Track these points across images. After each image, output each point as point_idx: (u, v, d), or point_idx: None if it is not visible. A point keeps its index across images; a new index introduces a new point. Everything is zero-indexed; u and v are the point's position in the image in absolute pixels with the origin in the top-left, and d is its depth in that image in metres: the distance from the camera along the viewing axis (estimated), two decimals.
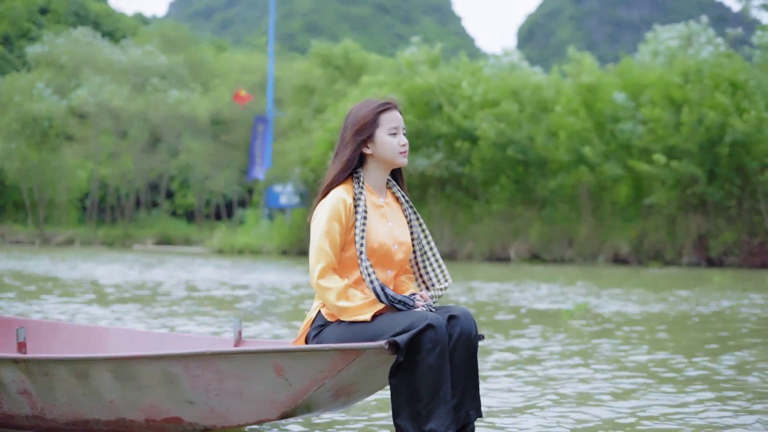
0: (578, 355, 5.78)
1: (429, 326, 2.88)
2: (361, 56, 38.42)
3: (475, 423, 3.19)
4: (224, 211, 42.79)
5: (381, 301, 3.01)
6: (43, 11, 50.93)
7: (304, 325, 3.17)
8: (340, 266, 3.12)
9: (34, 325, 4.27)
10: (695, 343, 6.47)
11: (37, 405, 3.34)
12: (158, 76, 40.10)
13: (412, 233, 3.27)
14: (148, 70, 39.98)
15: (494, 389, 4.45)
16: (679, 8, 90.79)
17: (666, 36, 28.00)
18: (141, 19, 60.19)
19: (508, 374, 4.98)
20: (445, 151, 25.63)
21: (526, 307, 9.42)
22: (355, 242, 3.08)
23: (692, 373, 5.08)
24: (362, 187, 3.16)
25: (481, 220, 25.49)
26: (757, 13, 41.49)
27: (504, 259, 24.49)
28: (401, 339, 2.86)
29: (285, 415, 3.05)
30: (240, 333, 3.83)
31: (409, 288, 3.24)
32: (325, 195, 3.17)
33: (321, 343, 3.04)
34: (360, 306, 3.01)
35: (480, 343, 3.24)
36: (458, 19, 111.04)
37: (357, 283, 3.11)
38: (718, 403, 4.16)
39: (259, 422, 3.09)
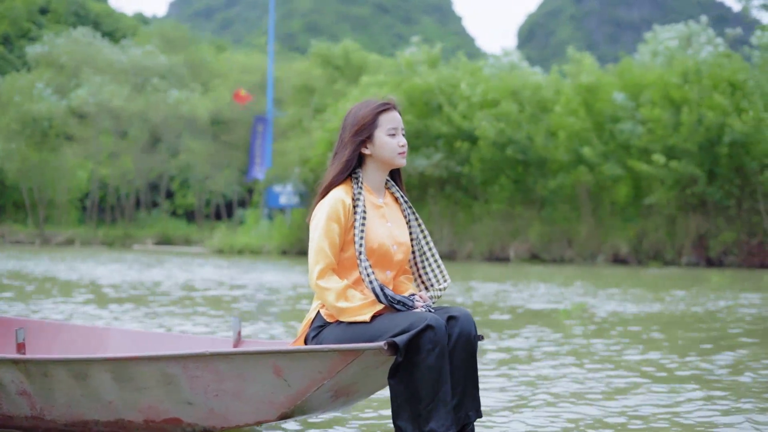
0: (573, 354, 5.80)
1: (428, 327, 2.88)
2: (361, 56, 38.43)
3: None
4: (224, 211, 42.81)
5: (380, 302, 3.01)
6: (43, 11, 50.95)
7: (303, 326, 3.17)
8: (339, 267, 3.12)
9: (33, 325, 4.27)
10: (689, 343, 6.49)
11: (36, 406, 3.34)
12: (158, 76, 40.11)
13: (411, 234, 3.27)
14: (148, 70, 39.99)
15: (487, 388, 4.47)
16: (679, 8, 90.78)
17: (665, 36, 28.00)
18: (141, 19, 60.20)
19: (502, 374, 5.00)
20: (445, 151, 25.64)
21: (523, 307, 9.43)
22: (355, 242, 3.08)
23: (685, 372, 5.10)
24: (361, 188, 3.16)
25: (481, 220, 25.50)
26: (757, 13, 41.44)
27: (503, 259, 24.49)
28: (400, 340, 2.86)
29: (284, 416, 3.05)
30: (239, 333, 3.83)
31: (408, 288, 3.24)
32: (324, 196, 3.17)
33: (320, 343, 3.04)
34: (359, 307, 3.01)
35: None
36: (458, 19, 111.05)
37: (356, 284, 3.11)
38: (709, 403, 4.18)
39: (258, 423, 3.09)
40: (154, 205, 45.13)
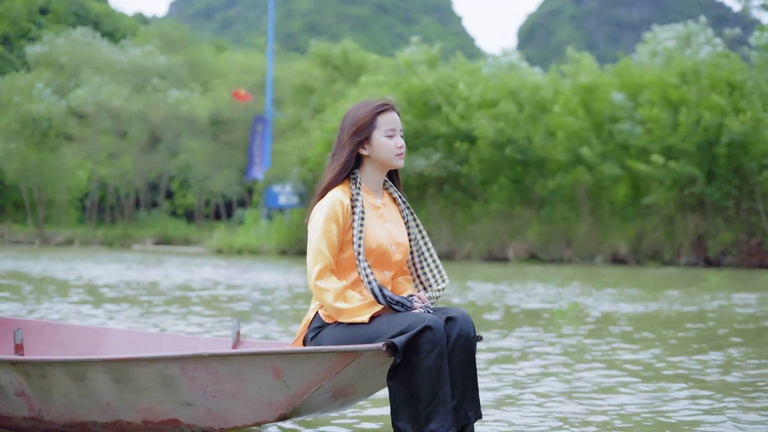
0: (564, 354, 5.82)
1: (427, 328, 2.88)
2: (360, 56, 38.45)
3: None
4: (224, 211, 42.84)
5: (379, 302, 3.00)
6: (43, 11, 50.96)
7: (301, 327, 3.17)
8: (337, 267, 3.11)
9: (31, 325, 4.26)
10: (680, 343, 6.52)
11: (34, 407, 3.34)
12: (158, 76, 40.13)
13: (409, 234, 3.26)
14: (147, 70, 40.01)
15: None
16: (679, 8, 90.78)
17: (664, 36, 28.00)
18: (141, 19, 60.21)
19: (492, 372, 5.02)
20: (444, 151, 25.64)
21: (518, 307, 9.44)
22: (353, 243, 3.07)
23: (673, 372, 5.13)
24: (359, 189, 3.15)
25: (480, 220, 25.51)
26: (757, 13, 41.44)
27: (502, 259, 24.50)
28: (399, 341, 2.85)
29: (283, 417, 3.05)
30: (238, 333, 3.82)
31: (406, 289, 3.24)
32: (322, 196, 3.16)
33: (319, 344, 3.04)
34: (358, 307, 3.00)
35: None
36: (458, 19, 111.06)
37: (355, 284, 3.11)
38: (694, 402, 4.21)
39: (257, 424, 3.09)
40: (154, 205, 45.16)
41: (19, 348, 3.74)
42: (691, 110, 22.35)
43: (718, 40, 26.26)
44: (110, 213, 42.47)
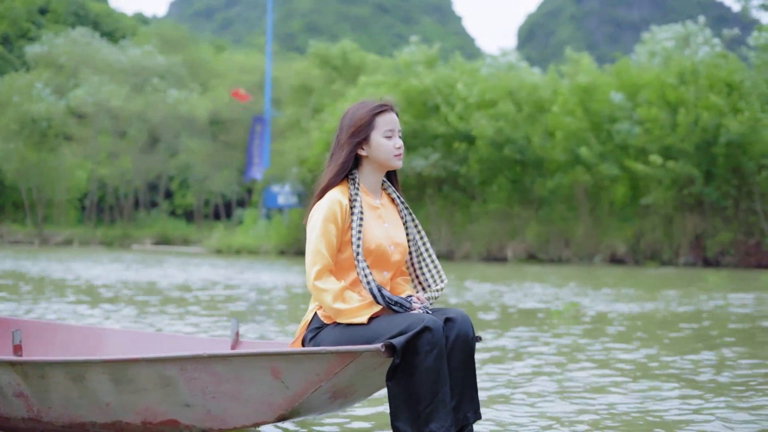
0: (558, 354, 5.84)
1: (426, 328, 2.88)
2: (359, 56, 38.46)
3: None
4: (223, 211, 42.87)
5: (378, 302, 3.00)
6: (43, 11, 50.95)
7: (300, 327, 3.17)
8: (336, 268, 3.11)
9: (30, 326, 4.26)
10: (674, 343, 6.54)
11: (33, 408, 3.34)
12: (157, 76, 40.14)
13: (407, 235, 3.26)
14: (146, 70, 40.02)
15: None
16: (679, 8, 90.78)
17: (663, 36, 28.00)
18: (141, 19, 60.20)
19: (485, 372, 5.03)
20: (442, 151, 25.65)
21: (515, 307, 9.45)
22: (352, 244, 3.07)
23: (665, 371, 5.15)
24: (358, 189, 3.15)
25: (478, 220, 25.52)
26: (756, 13, 41.41)
27: (501, 259, 24.51)
28: (398, 341, 2.86)
29: (282, 418, 3.05)
30: (237, 334, 3.82)
31: (405, 290, 3.24)
32: (320, 197, 3.16)
33: (318, 345, 3.04)
34: (357, 308, 3.00)
35: None
36: (458, 19, 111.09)
37: (353, 285, 3.11)
38: (684, 401, 4.22)
39: (256, 424, 3.09)
40: (153, 205, 45.17)
41: (17, 349, 3.74)
42: (690, 110, 22.35)
43: (716, 41, 26.27)
44: (109, 213, 42.49)
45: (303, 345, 3.12)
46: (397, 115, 3.23)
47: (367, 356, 2.89)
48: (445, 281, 3.29)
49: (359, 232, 3.08)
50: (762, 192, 22.10)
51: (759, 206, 22.11)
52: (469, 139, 25.39)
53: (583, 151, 23.78)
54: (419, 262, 3.28)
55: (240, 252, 28.99)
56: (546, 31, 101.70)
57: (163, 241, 37.25)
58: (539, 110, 25.41)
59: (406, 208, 3.30)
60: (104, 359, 3.16)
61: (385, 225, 3.19)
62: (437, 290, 3.26)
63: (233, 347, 3.80)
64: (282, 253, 27.74)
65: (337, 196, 3.11)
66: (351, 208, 3.11)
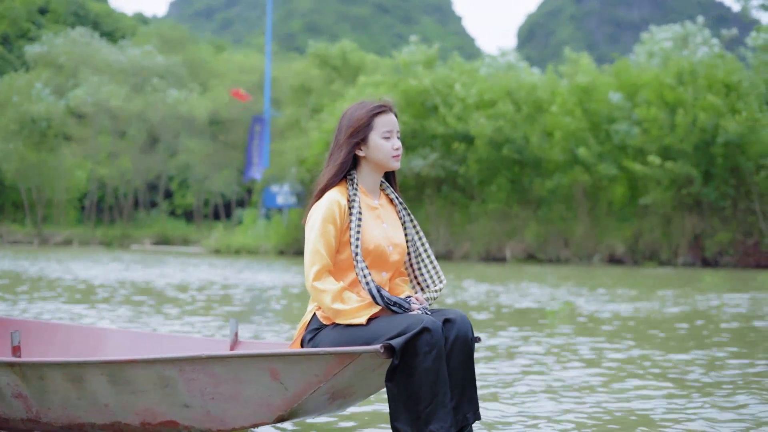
0: (550, 353, 5.86)
1: (425, 329, 2.87)
2: (359, 56, 38.46)
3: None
4: (223, 211, 42.89)
5: (377, 303, 3.00)
6: (43, 11, 50.97)
7: (299, 328, 3.17)
8: (335, 268, 3.11)
9: (29, 326, 4.26)
10: (665, 342, 6.57)
11: (32, 408, 3.34)
12: (157, 76, 40.17)
13: (406, 235, 3.26)
14: (146, 70, 40.04)
15: None
16: (679, 8, 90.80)
17: (661, 36, 28.01)
18: (141, 19, 60.22)
19: (477, 371, 5.03)
20: (441, 151, 25.66)
21: (511, 307, 9.46)
22: (351, 244, 3.07)
23: (656, 370, 5.17)
24: (356, 189, 3.15)
25: (477, 220, 25.53)
26: (756, 13, 41.42)
27: (500, 259, 24.52)
28: (397, 342, 2.85)
29: (281, 419, 3.05)
30: (236, 334, 3.82)
31: (403, 291, 3.24)
32: (319, 197, 3.16)
33: (316, 346, 3.04)
34: (355, 309, 3.00)
35: None
36: (458, 19, 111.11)
37: (352, 285, 3.11)
38: (672, 399, 4.24)
39: (255, 425, 3.09)
40: (153, 205, 45.20)
41: (16, 349, 3.75)
42: (688, 111, 22.37)
43: (715, 41, 26.29)
44: (109, 213, 42.51)
45: (302, 346, 3.12)
46: (396, 115, 3.23)
47: (366, 357, 2.89)
48: (444, 282, 3.30)
49: (358, 232, 3.08)
50: (760, 192, 22.12)
51: (757, 206, 22.13)
52: (468, 139, 25.40)
53: (582, 151, 23.79)
54: (418, 263, 3.28)
55: (239, 252, 29.01)
56: (546, 31, 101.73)
57: (163, 241, 37.27)
58: (538, 110, 25.42)
59: (405, 208, 3.30)
60: (103, 360, 3.16)
61: (383, 225, 3.19)
62: (436, 291, 3.26)
63: (232, 348, 3.80)
64: (281, 253, 27.75)
65: (335, 196, 3.11)
66: (350, 208, 3.12)
